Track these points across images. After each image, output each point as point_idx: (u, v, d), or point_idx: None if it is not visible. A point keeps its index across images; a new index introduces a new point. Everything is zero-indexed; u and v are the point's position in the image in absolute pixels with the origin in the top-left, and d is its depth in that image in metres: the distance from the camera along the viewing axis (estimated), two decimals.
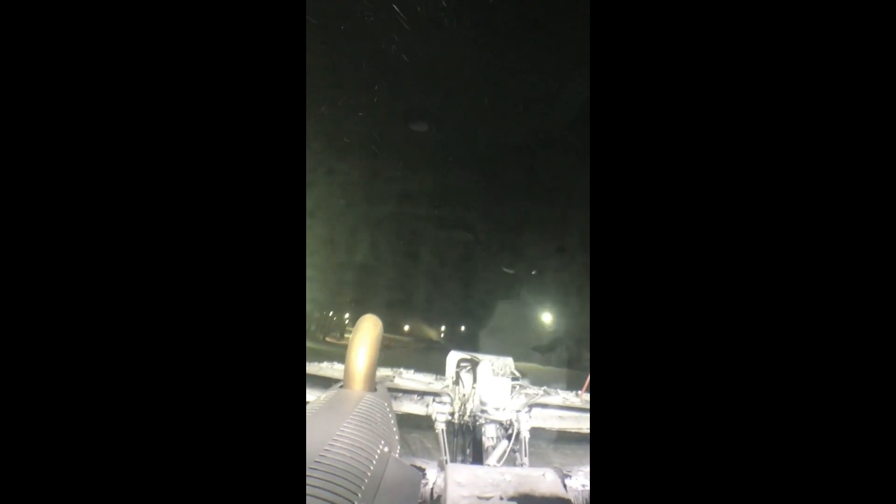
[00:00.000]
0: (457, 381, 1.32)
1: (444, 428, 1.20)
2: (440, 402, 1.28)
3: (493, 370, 1.28)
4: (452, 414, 1.23)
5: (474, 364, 1.30)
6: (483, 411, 1.20)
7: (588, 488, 0.98)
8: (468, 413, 1.22)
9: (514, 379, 1.31)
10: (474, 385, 1.25)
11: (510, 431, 1.21)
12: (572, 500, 0.89)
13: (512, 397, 1.25)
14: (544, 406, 1.29)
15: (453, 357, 1.40)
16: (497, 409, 1.20)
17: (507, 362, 1.32)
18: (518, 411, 1.22)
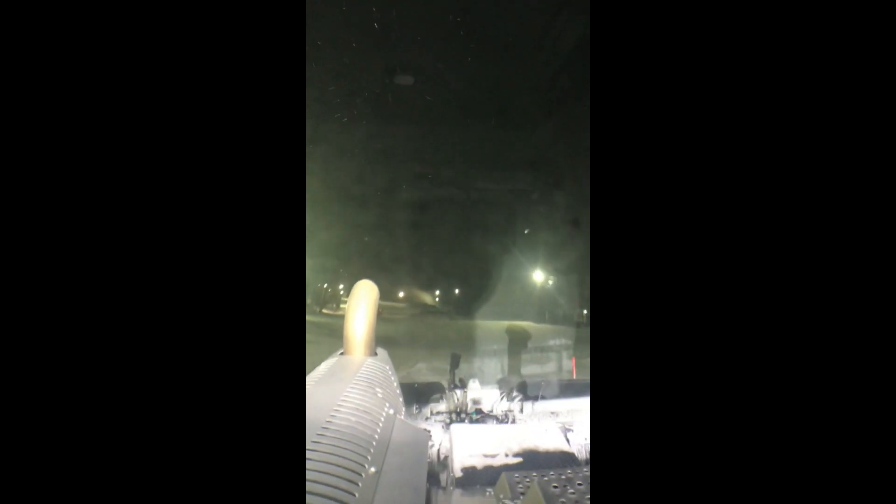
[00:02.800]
0: (451, 390, 1.44)
1: (444, 422, 1.27)
2: (434, 402, 1.39)
3: (480, 384, 1.41)
4: (449, 413, 1.31)
5: (463, 385, 1.43)
6: (478, 411, 1.30)
7: (588, 441, 1.02)
8: (464, 411, 1.31)
9: (502, 391, 1.41)
10: (465, 390, 1.37)
11: (506, 421, 1.29)
12: (575, 454, 0.91)
13: (501, 400, 1.36)
14: (535, 400, 1.38)
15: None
16: (490, 410, 1.32)
17: (494, 392, 1.42)
18: (511, 411, 1.32)
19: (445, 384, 1.46)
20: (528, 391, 1.40)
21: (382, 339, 1.29)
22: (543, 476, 0.66)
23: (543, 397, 1.38)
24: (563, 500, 0.58)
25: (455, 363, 1.58)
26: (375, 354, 1.18)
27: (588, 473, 0.65)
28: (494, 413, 1.30)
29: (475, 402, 1.33)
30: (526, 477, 0.68)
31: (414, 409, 1.32)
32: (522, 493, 0.64)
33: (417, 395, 1.38)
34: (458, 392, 1.38)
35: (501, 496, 0.67)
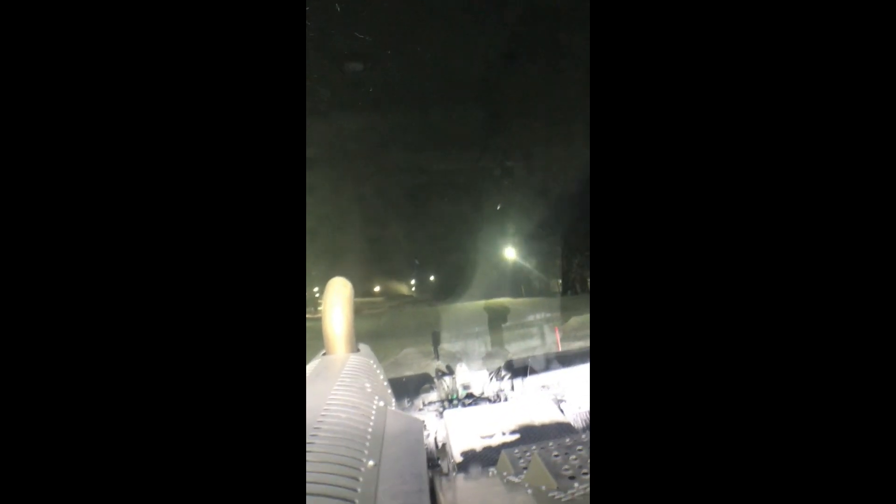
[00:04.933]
0: (439, 378, 1.45)
1: (438, 410, 1.28)
2: (425, 392, 1.40)
3: (468, 368, 1.44)
4: (442, 401, 1.32)
5: (451, 371, 1.44)
6: (469, 395, 1.31)
7: (583, 409, 1.04)
8: (455, 397, 1.32)
9: (491, 372, 1.44)
10: (454, 377, 1.39)
11: (498, 401, 1.30)
12: (571, 423, 0.93)
13: (490, 381, 1.37)
14: (524, 377, 1.40)
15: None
16: (482, 393, 1.33)
17: (483, 374, 1.44)
18: (502, 391, 1.33)
19: (433, 373, 1.47)
20: (514, 367, 1.42)
21: (366, 333, 1.28)
22: (542, 447, 0.67)
23: (534, 371, 1.40)
24: (567, 466, 0.59)
25: (436, 339, 1.67)
26: (358, 350, 1.17)
27: (587, 440, 0.66)
28: (486, 395, 1.32)
29: (465, 386, 1.34)
30: (526, 451, 0.69)
31: (406, 402, 1.32)
32: (525, 468, 0.65)
33: (406, 388, 1.38)
34: (448, 379, 1.39)
35: (504, 473, 0.67)
